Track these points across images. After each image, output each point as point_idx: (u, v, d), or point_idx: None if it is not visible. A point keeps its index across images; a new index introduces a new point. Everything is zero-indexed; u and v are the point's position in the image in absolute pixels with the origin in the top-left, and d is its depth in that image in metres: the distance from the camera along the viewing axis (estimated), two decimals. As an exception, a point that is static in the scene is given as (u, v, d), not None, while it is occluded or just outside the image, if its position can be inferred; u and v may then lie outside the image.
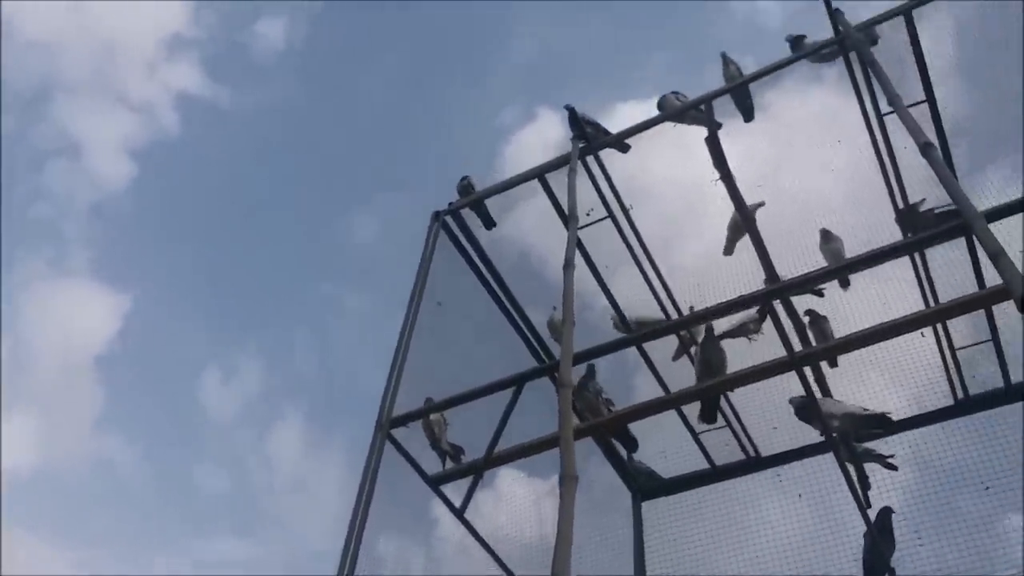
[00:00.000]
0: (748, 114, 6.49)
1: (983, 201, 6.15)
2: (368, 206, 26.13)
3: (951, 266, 6.38)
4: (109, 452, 23.63)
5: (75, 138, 23.94)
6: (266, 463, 24.35)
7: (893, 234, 6.53)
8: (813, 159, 6.70)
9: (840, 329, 6.61)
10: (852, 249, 6.75)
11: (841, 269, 5.40)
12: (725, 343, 6.28)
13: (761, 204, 6.50)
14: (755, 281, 6.68)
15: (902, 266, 6.52)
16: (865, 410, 5.31)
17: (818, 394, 5.84)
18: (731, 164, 6.26)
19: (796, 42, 6.23)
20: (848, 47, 5.93)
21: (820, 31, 6.49)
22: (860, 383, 6.45)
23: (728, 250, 6.70)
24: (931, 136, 6.03)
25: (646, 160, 7.22)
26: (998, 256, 3.99)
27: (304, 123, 24.90)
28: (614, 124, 6.77)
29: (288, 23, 24.51)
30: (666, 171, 7.25)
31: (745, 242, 6.42)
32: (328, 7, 24.37)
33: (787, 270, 6.66)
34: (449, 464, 5.72)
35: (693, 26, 25.04)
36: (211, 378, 25.60)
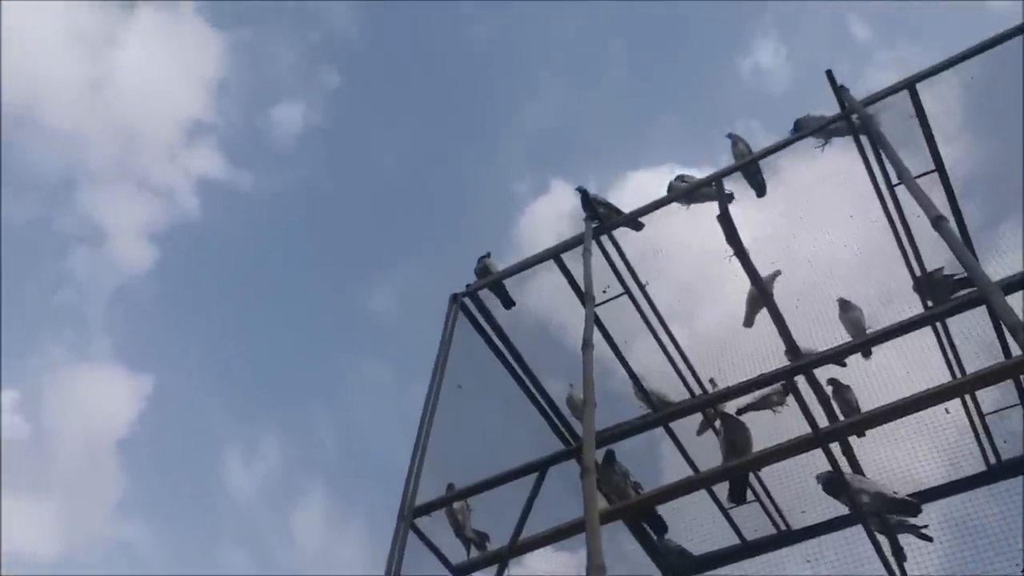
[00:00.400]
0: (760, 190, 6.58)
1: (999, 259, 6.20)
2: (385, 277, 26.42)
3: (973, 326, 6.34)
4: (129, 535, 23.50)
5: (98, 224, 24.52)
6: (288, 540, 24.11)
7: (911, 299, 6.58)
8: (827, 225, 6.75)
9: (864, 395, 6.60)
10: (871, 315, 6.78)
11: (863, 344, 5.38)
12: (749, 415, 6.26)
13: (778, 274, 6.54)
14: (775, 350, 6.70)
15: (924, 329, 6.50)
16: (895, 494, 5.23)
17: (845, 467, 5.80)
18: (745, 233, 6.35)
19: (800, 125, 6.34)
20: (858, 129, 6.00)
21: (825, 96, 6.61)
22: (891, 443, 6.37)
23: (748, 322, 6.72)
24: (942, 203, 6.12)
25: (660, 230, 7.30)
26: (1017, 331, 3.99)
27: (322, 200, 25.42)
28: (625, 192, 6.95)
29: (305, 106, 25.18)
30: (681, 240, 7.30)
31: (764, 311, 6.47)
32: (344, 86, 25.05)
33: (806, 336, 6.67)
34: (474, 552, 5.67)
35: (700, 91, 25.48)
36: (231, 456, 25.60)
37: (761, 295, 5.96)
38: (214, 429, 25.33)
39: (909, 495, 5.93)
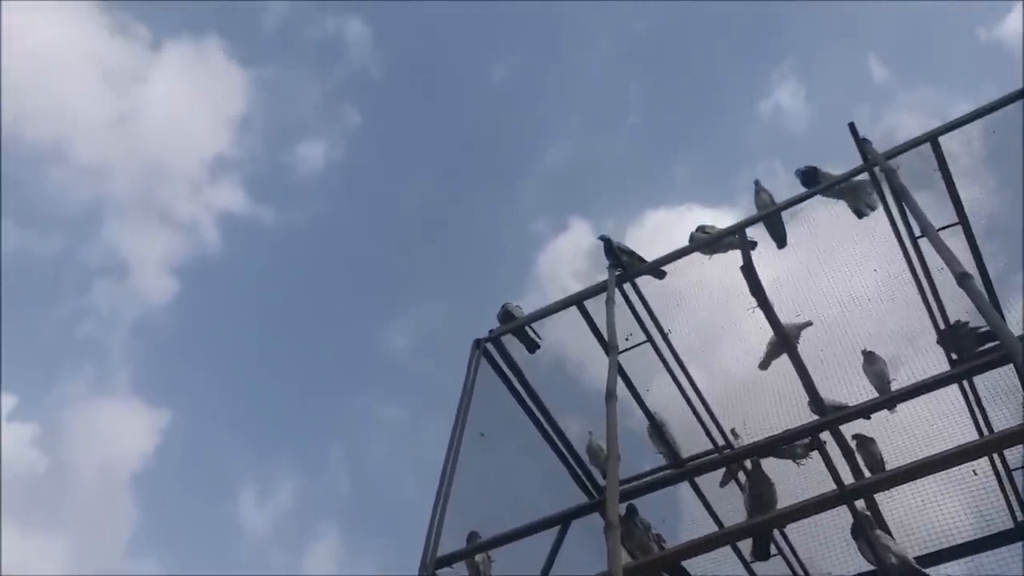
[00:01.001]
0: (781, 241, 6.60)
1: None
2: (403, 316, 26.55)
3: (999, 380, 6.28)
4: (143, 570, 23.45)
5: (122, 257, 24.86)
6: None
7: (936, 349, 6.54)
8: (850, 273, 6.75)
9: (888, 448, 6.55)
10: (895, 360, 6.74)
11: (888, 400, 5.37)
12: (773, 467, 6.22)
13: (808, 324, 6.53)
14: (798, 399, 6.67)
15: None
16: (918, 568, 5.18)
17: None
18: (767, 278, 6.36)
19: (809, 176, 6.36)
20: (878, 179, 6.04)
21: (846, 137, 6.63)
22: (917, 494, 6.30)
23: (764, 365, 6.71)
24: (965, 256, 6.11)
25: (682, 277, 7.31)
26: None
27: (342, 238, 25.69)
28: (645, 230, 7.03)
29: (327, 143, 25.56)
30: (703, 286, 7.30)
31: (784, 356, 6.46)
32: (365, 124, 25.38)
33: (829, 385, 6.66)
34: (495, 603, 5.65)
35: (721, 131, 25.62)
36: (246, 494, 25.58)
37: (785, 346, 5.95)
38: (229, 466, 25.37)
39: (936, 551, 5.88)
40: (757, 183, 6.70)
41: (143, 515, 24.52)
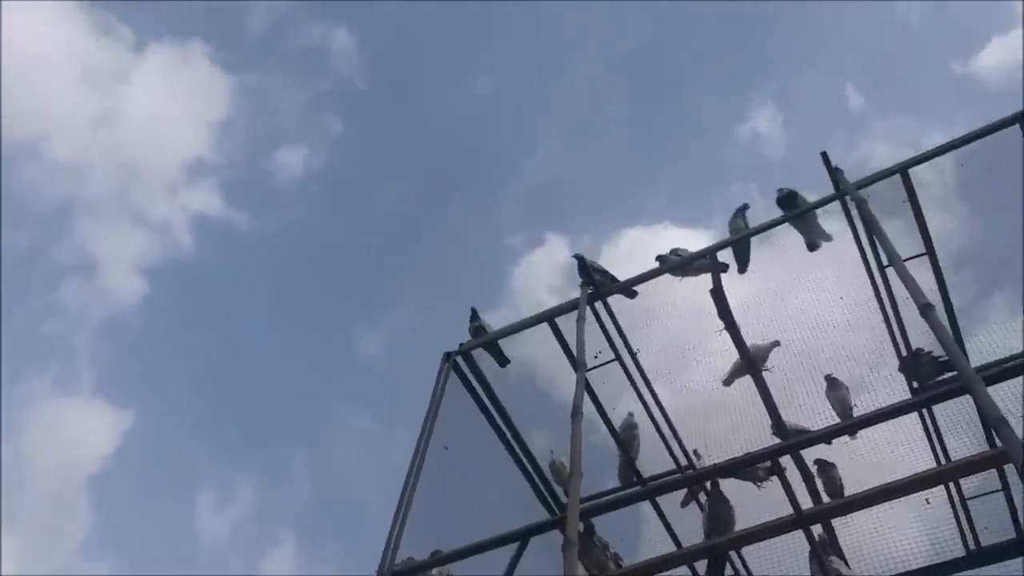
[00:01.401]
0: (743, 266, 6.69)
1: (990, 332, 6.28)
2: (374, 323, 26.43)
3: (957, 409, 6.38)
4: (97, 572, 23.04)
5: (92, 256, 24.53)
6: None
7: (897, 376, 6.64)
8: (816, 297, 6.83)
9: (848, 472, 6.63)
10: (857, 385, 6.83)
11: (849, 427, 5.45)
12: (733, 489, 6.27)
13: (776, 344, 6.60)
14: (760, 421, 6.74)
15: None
16: None
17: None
18: (735, 300, 6.42)
19: (787, 200, 6.45)
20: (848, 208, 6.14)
21: (819, 165, 6.72)
22: (872, 516, 6.37)
23: (728, 382, 6.77)
24: (930, 286, 6.22)
25: (653, 296, 7.35)
26: (999, 425, 4.04)
27: (318, 245, 25.50)
28: (620, 248, 7.04)
29: (307, 150, 25.40)
30: (672, 305, 7.35)
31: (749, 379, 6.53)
32: (346, 132, 25.30)
33: (791, 408, 6.73)
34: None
35: (699, 153, 25.87)
36: (206, 498, 25.22)
37: (750, 369, 6.01)
38: (190, 469, 25.05)
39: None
40: (743, 207, 6.74)
41: (98, 517, 24.15)
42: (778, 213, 6.58)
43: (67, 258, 23.99)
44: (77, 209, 24.75)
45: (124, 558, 23.44)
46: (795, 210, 6.35)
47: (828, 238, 6.53)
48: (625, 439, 6.76)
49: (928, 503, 5.82)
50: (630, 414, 6.94)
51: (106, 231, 24.35)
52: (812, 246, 6.53)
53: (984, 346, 6.24)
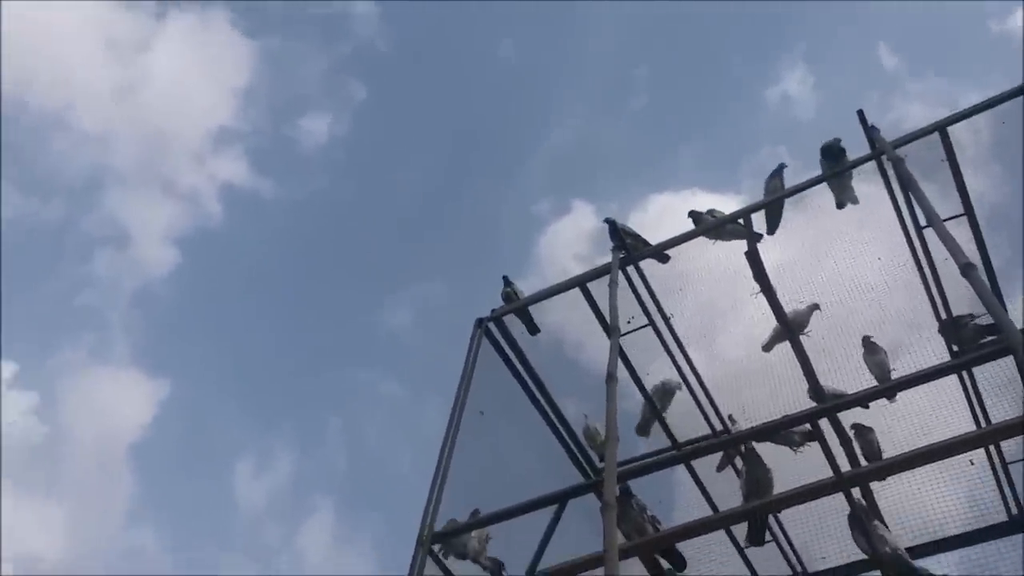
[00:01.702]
0: (772, 229, 6.58)
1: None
2: (403, 292, 26.52)
3: (999, 373, 6.28)
4: (137, 541, 23.60)
5: (123, 226, 24.82)
6: (295, 556, 24.10)
7: (937, 338, 6.53)
8: (854, 260, 6.73)
9: (886, 437, 6.56)
10: (896, 348, 6.73)
11: (888, 389, 5.38)
12: (770, 454, 6.23)
13: (815, 307, 6.52)
14: (797, 386, 6.68)
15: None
16: (910, 562, 5.22)
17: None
18: (771, 264, 6.33)
19: (835, 152, 6.31)
20: (885, 167, 6.01)
21: (853, 125, 6.59)
22: (913, 483, 6.31)
23: (768, 347, 6.71)
24: (970, 247, 6.10)
25: (688, 262, 7.28)
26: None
27: (344, 213, 25.62)
28: (648, 214, 6.95)
29: (331, 117, 25.42)
30: (706, 269, 7.28)
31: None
32: (371, 99, 25.25)
33: (829, 373, 6.66)
34: (491, 580, 5.68)
35: (728, 116, 25.49)
36: (243, 467, 25.68)
37: (787, 334, 5.95)
38: (226, 438, 25.47)
39: (930, 542, 5.92)
40: (780, 167, 6.60)
41: (140, 485, 24.67)
42: (816, 168, 6.43)
43: (98, 229, 24.29)
44: (107, 180, 25.00)
45: (166, 525, 23.98)
46: (837, 167, 6.20)
47: (856, 201, 6.39)
48: (659, 396, 6.72)
49: (972, 463, 5.73)
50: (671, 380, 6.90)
51: (136, 201, 24.60)
52: (840, 205, 6.40)
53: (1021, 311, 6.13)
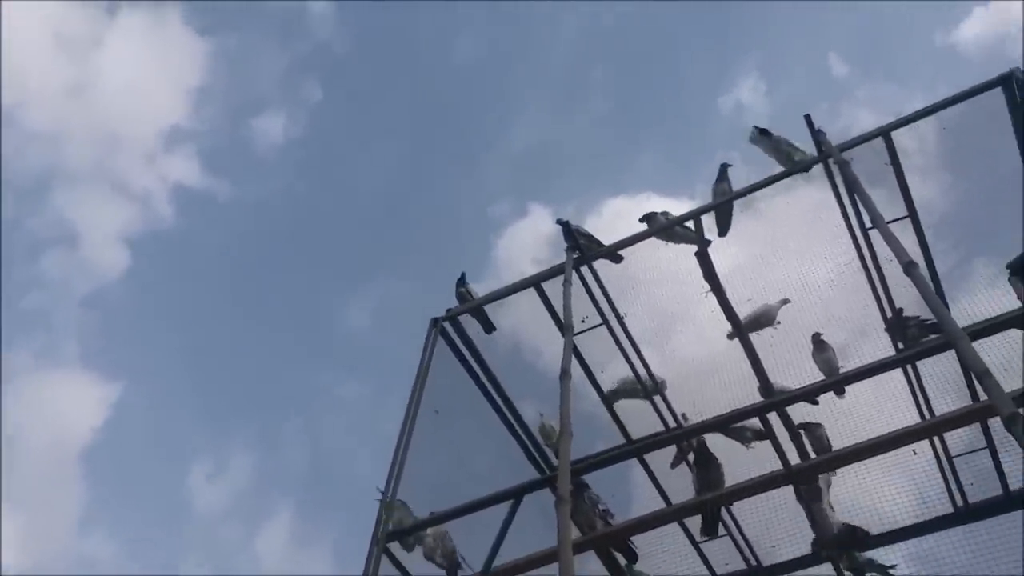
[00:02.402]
0: (723, 231, 6.71)
1: (971, 295, 6.34)
2: (360, 292, 26.30)
3: (941, 367, 6.47)
4: (89, 549, 22.96)
5: (73, 227, 24.22)
6: (252, 559, 23.70)
7: (883, 335, 6.70)
8: (802, 260, 6.88)
9: (834, 431, 6.70)
10: (844, 348, 6.90)
11: (836, 383, 5.51)
12: (721, 449, 6.33)
13: (786, 302, 6.64)
14: (747, 384, 6.80)
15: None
16: (857, 527, 5.36)
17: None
18: (721, 265, 6.43)
19: (762, 133, 6.47)
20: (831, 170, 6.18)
21: (803, 133, 6.73)
22: (861, 476, 6.44)
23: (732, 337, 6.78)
24: (914, 248, 6.28)
25: (640, 262, 7.37)
26: (983, 376, 4.09)
27: (299, 213, 25.25)
28: (603, 218, 7.01)
29: (286, 117, 25.12)
30: (658, 269, 7.37)
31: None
32: (327, 98, 25.03)
33: (778, 370, 6.78)
34: (447, 578, 5.67)
35: (683, 122, 25.84)
36: (198, 470, 25.16)
37: (737, 332, 6.05)
38: (181, 440, 24.96)
39: (881, 534, 6.07)
40: (725, 166, 6.74)
41: (93, 491, 24.04)
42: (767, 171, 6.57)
43: (47, 230, 23.68)
44: (56, 179, 24.40)
45: (120, 530, 23.39)
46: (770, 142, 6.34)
47: (805, 162, 6.48)
48: (630, 390, 6.82)
49: (915, 453, 5.89)
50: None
51: (86, 201, 24.00)
52: (789, 173, 6.52)
53: (966, 310, 6.31)
